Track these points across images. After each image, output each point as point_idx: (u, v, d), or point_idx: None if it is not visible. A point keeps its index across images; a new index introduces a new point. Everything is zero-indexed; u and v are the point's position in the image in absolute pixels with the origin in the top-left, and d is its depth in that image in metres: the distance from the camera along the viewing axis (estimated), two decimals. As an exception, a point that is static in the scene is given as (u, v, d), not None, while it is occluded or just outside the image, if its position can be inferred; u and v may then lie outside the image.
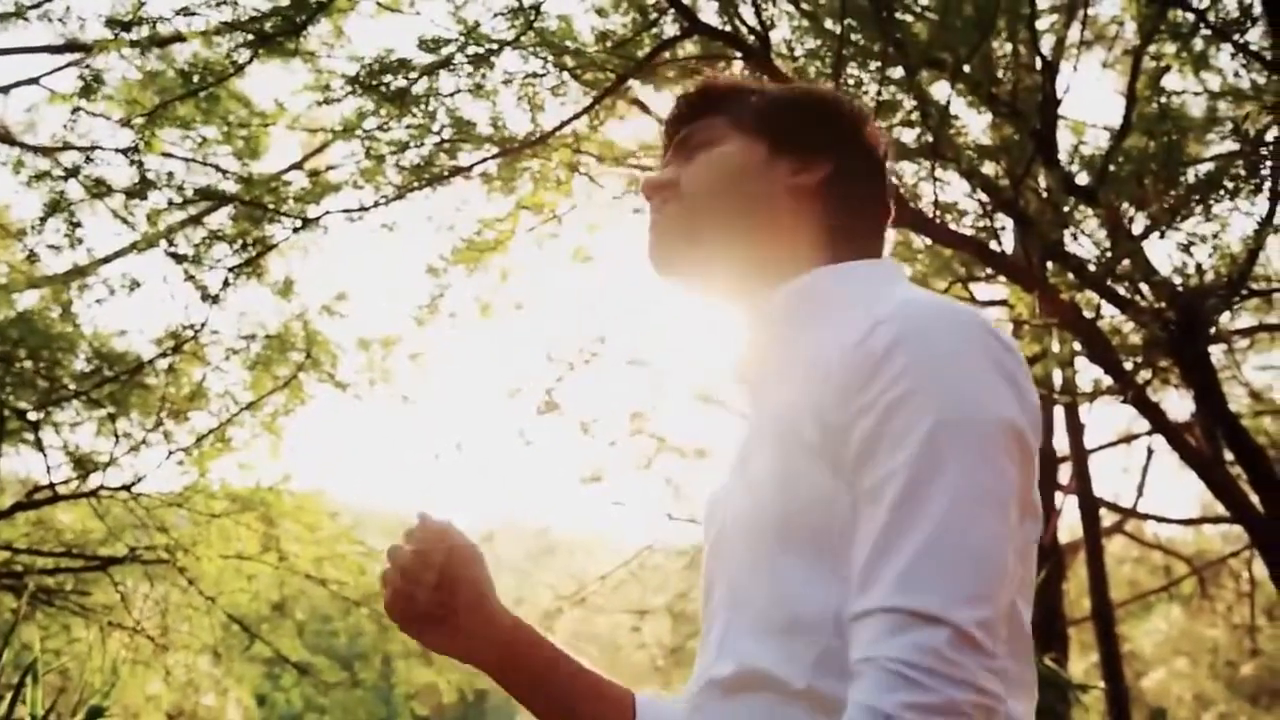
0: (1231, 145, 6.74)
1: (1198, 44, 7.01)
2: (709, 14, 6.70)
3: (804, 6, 6.79)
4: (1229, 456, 7.16)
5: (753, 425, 1.38)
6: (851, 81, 6.40)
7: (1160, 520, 10.19)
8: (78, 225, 6.79)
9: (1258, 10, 6.11)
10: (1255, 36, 6.58)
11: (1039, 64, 6.97)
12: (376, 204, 6.95)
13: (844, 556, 1.17)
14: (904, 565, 1.09)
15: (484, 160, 6.99)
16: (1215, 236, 6.74)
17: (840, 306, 1.33)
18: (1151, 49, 7.10)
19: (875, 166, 1.50)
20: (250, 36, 6.26)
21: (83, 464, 8.10)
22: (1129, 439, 11.16)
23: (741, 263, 1.43)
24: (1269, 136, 6.39)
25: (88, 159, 6.86)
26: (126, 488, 8.20)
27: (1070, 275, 6.64)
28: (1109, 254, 6.86)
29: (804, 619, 1.19)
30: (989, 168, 6.73)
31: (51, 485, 8.19)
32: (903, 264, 1.45)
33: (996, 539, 1.11)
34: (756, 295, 1.41)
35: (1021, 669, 1.20)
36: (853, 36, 6.32)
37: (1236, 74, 6.81)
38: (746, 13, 6.51)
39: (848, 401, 1.19)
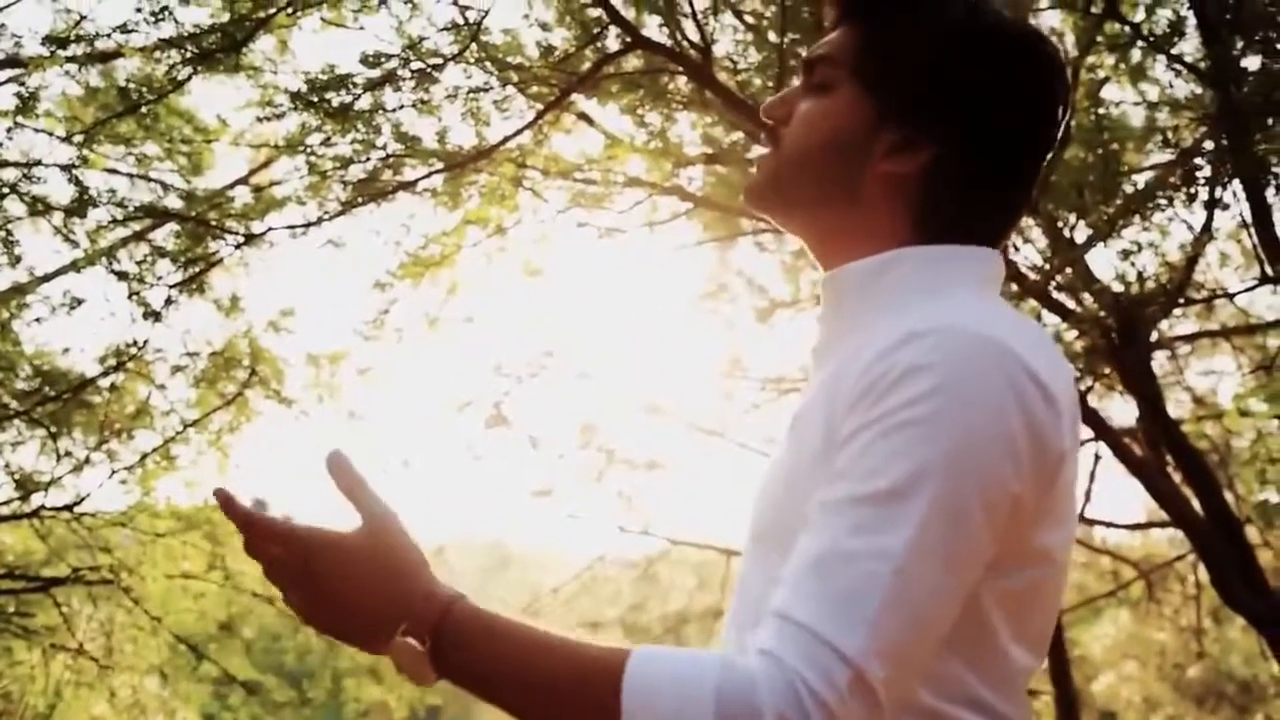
0: (1169, 155, 6.84)
1: (1134, 56, 7.11)
2: (652, 28, 6.73)
3: (747, 20, 6.83)
4: (1171, 462, 7.25)
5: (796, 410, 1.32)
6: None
7: (1107, 525, 10.28)
8: (16, 243, 6.71)
9: (1190, 23, 6.21)
10: (1190, 49, 6.69)
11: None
12: (321, 219, 6.93)
13: None
14: (839, 594, 1.05)
15: (429, 175, 6.97)
16: (1155, 245, 6.85)
17: (905, 303, 1.25)
18: (1090, 60, 7.19)
19: (1012, 141, 1.32)
20: (190, 53, 6.21)
21: (24, 484, 7.97)
22: (1075, 445, 11.22)
23: (820, 232, 1.37)
24: (1205, 147, 6.50)
25: (26, 176, 6.78)
26: (69, 508, 8.08)
27: (1012, 284, 6.71)
28: (1050, 263, 6.95)
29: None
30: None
31: (-8, 506, 8.07)
32: (1000, 259, 1.29)
33: (937, 595, 1.08)
34: (834, 263, 1.35)
35: (1004, 705, 1.17)
36: (795, 50, 6.36)
37: (1171, 85, 6.93)
38: (689, 27, 6.53)
39: (854, 416, 1.14)
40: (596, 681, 1.09)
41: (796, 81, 1.42)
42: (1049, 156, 1.39)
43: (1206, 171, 6.45)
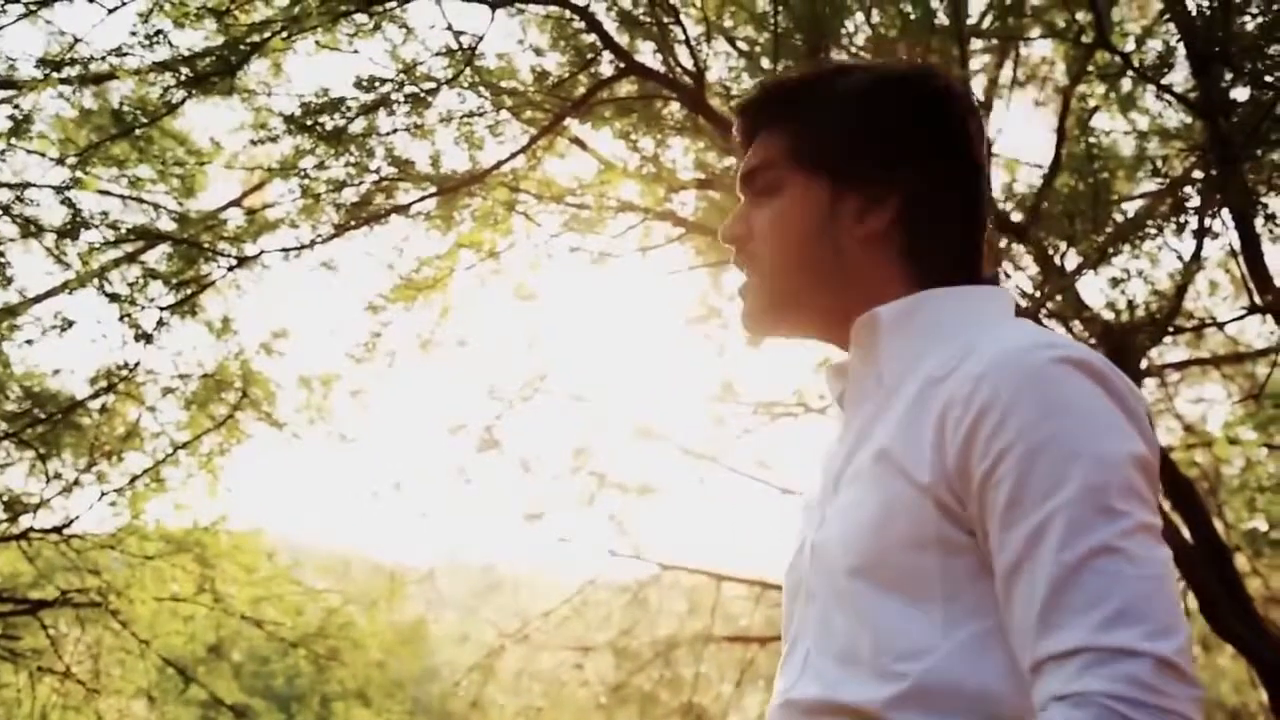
0: (1159, 184, 6.87)
1: (1125, 85, 7.15)
2: (646, 54, 6.76)
3: (740, 47, 6.87)
4: (1160, 489, 7.25)
5: (846, 449, 1.34)
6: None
7: (1097, 552, 10.28)
8: (8, 264, 6.71)
9: (1180, 54, 6.24)
10: (1180, 79, 6.73)
11: (971, 104, 7.07)
12: (314, 242, 6.93)
13: (941, 597, 1.18)
14: (1090, 604, 1.07)
15: (423, 198, 6.98)
16: (1144, 273, 6.87)
17: (948, 336, 1.29)
18: (1080, 89, 7.24)
19: (963, 168, 1.40)
20: (185, 76, 6.22)
21: (13, 506, 7.95)
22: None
23: (828, 317, 1.39)
24: (1194, 176, 6.53)
25: (19, 198, 6.77)
26: (58, 529, 8.06)
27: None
28: (1041, 290, 6.96)
29: (891, 651, 1.19)
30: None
31: (-20, 527, 8.04)
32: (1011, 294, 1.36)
33: (1167, 567, 1.12)
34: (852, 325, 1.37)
35: None
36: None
37: (1161, 115, 6.96)
38: (682, 53, 6.57)
39: (978, 445, 1.16)
40: None
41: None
42: (987, 177, 1.45)
43: (1196, 201, 6.47)
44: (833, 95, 1.39)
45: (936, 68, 1.47)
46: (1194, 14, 5.94)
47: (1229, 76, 5.93)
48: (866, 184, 1.36)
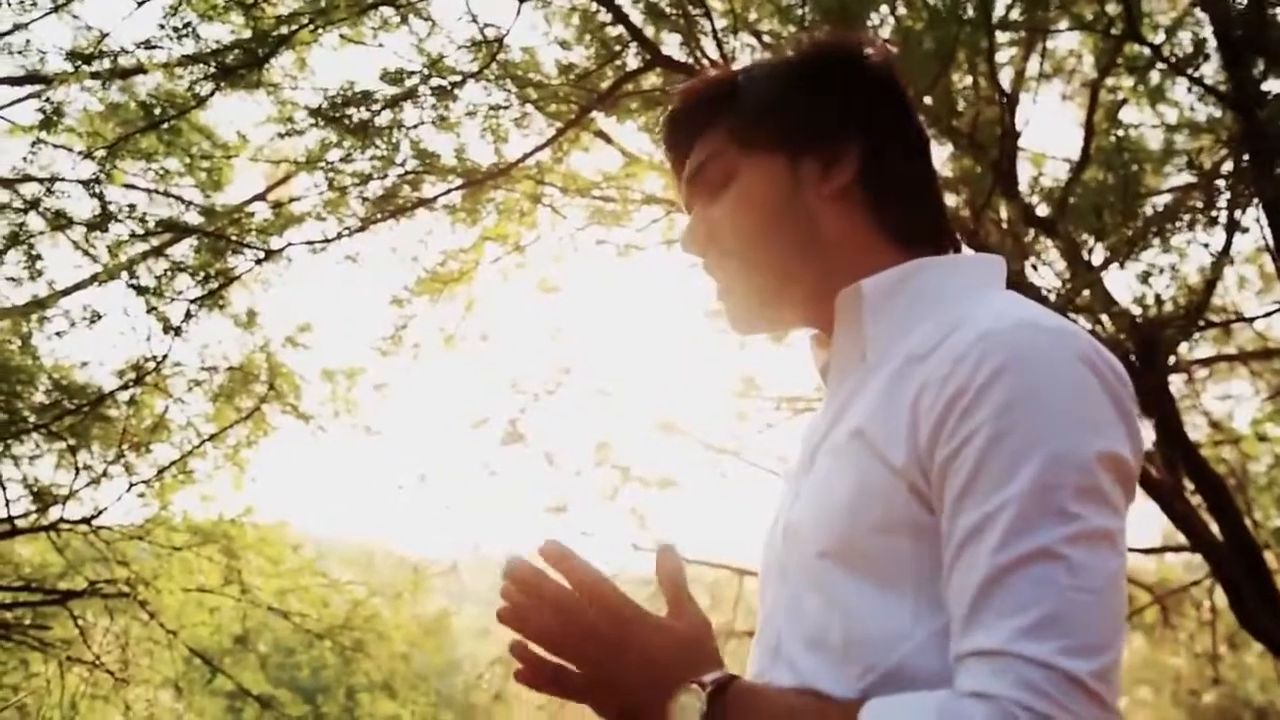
0: (1188, 178, 6.83)
1: (1154, 78, 7.10)
2: (672, 47, 6.74)
3: (765, 39, 6.84)
4: (1189, 486, 7.21)
5: (825, 423, 1.32)
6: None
7: (1123, 548, 10.21)
8: (38, 258, 6.74)
9: (1212, 45, 6.19)
10: (1210, 71, 6.68)
11: (999, 96, 7.05)
12: (340, 235, 6.94)
13: (911, 583, 1.15)
14: (1016, 609, 1.05)
15: (448, 191, 6.99)
16: (1173, 268, 6.82)
17: (933, 310, 1.25)
18: (1109, 82, 7.19)
19: (911, 128, 1.37)
20: (212, 69, 6.25)
21: (42, 497, 7.99)
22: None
23: (815, 292, 1.34)
24: (1224, 169, 6.48)
25: (48, 191, 6.81)
26: (86, 521, 8.10)
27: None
28: (1068, 285, 6.92)
29: (862, 641, 1.17)
30: (949, 199, 6.77)
31: (10, 518, 8.08)
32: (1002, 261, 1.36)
33: (1112, 580, 1.07)
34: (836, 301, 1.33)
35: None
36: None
37: (1192, 108, 6.91)
38: (709, 46, 6.55)
39: (948, 428, 1.12)
40: None
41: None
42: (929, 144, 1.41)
43: (1226, 195, 6.43)
44: (764, 78, 1.38)
45: (850, 34, 1.43)
46: (1227, 5, 5.89)
47: (1261, 68, 5.88)
48: (821, 146, 1.33)
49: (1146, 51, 6.60)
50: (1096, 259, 6.86)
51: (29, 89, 7.04)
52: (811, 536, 1.25)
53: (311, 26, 6.35)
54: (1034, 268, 6.99)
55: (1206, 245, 6.78)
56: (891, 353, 1.26)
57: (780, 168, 1.33)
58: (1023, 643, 1.03)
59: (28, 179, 6.90)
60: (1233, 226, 6.55)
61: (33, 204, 6.82)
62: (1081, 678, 1.02)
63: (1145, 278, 6.70)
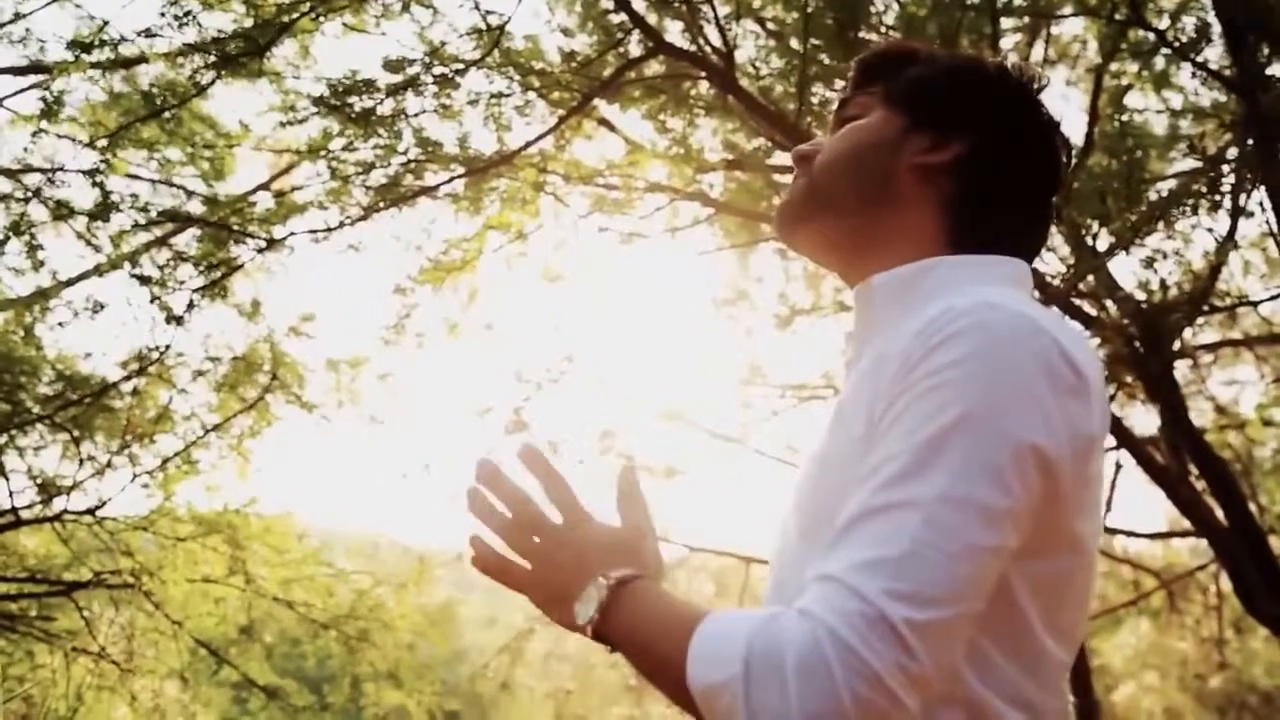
0: (1193, 163, 6.80)
1: (1158, 63, 7.08)
2: (674, 34, 6.72)
3: (769, 27, 6.82)
4: (1194, 471, 7.20)
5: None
6: (816, 101, 6.42)
7: (1128, 534, 10.22)
8: (39, 248, 6.73)
9: (1216, 30, 6.17)
10: (1215, 56, 6.66)
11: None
12: (342, 224, 6.93)
13: None
14: (864, 545, 1.07)
15: (450, 180, 6.98)
16: (1178, 253, 6.80)
17: (933, 298, 1.27)
18: (1113, 67, 7.17)
19: (1030, 149, 1.43)
20: (214, 58, 6.23)
21: (46, 488, 8.00)
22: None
23: (854, 239, 1.42)
24: (1229, 154, 6.45)
25: (50, 181, 6.80)
26: (91, 511, 8.10)
27: (1035, 292, 6.67)
28: (1073, 270, 6.91)
29: None
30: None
31: (14, 509, 8.09)
32: (1029, 270, 1.43)
33: (970, 548, 1.07)
34: (866, 273, 1.39)
35: (1042, 696, 1.18)
36: (817, 56, 6.34)
37: (1196, 92, 6.89)
38: (711, 33, 6.53)
39: (893, 387, 1.17)
40: (680, 637, 1.15)
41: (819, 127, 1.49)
42: (1058, 182, 1.48)
43: (1230, 179, 6.41)
44: (929, 60, 1.48)
45: (1011, 61, 1.50)
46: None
47: (1266, 52, 5.86)
48: (936, 128, 1.41)
49: (1151, 37, 6.57)
50: (1101, 245, 6.84)
51: (30, 79, 7.04)
52: (794, 520, 1.30)
53: (313, 14, 6.33)
54: (1031, 251, 6.96)
55: (1211, 230, 6.77)
56: (883, 341, 1.29)
57: (895, 124, 1.42)
58: (855, 575, 1.06)
59: (29, 169, 6.90)
60: (1237, 211, 6.54)
61: (34, 193, 6.81)
62: (894, 621, 1.03)
63: (1150, 263, 6.69)
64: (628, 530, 1.35)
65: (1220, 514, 6.88)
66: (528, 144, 6.89)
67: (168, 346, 7.57)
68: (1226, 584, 6.76)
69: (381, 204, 6.90)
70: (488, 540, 1.36)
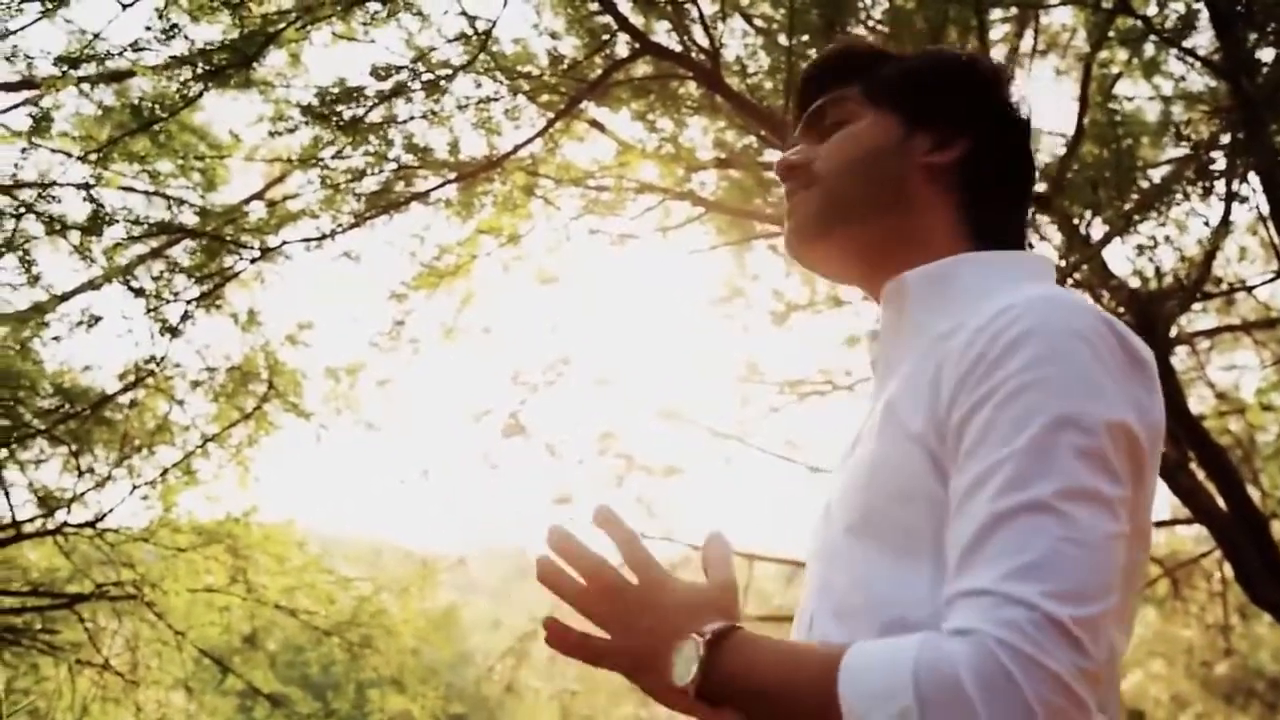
0: (1185, 149, 6.80)
1: (1147, 50, 7.07)
2: (660, 34, 6.72)
3: (756, 24, 6.82)
4: (1193, 459, 7.19)
5: (871, 409, 1.36)
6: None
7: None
8: (34, 262, 6.74)
9: (1204, 16, 6.16)
10: (1204, 41, 6.65)
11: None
12: (335, 232, 6.94)
13: (929, 553, 1.17)
14: (1006, 553, 1.06)
15: (442, 185, 6.98)
16: (1171, 240, 6.80)
17: (975, 297, 1.28)
18: (1102, 56, 7.16)
19: (1019, 141, 1.45)
20: (203, 69, 6.23)
21: (47, 501, 8.02)
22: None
23: (874, 248, 1.40)
24: (1220, 140, 6.45)
25: (43, 196, 6.80)
26: (92, 524, 8.12)
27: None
28: (1067, 259, 6.91)
29: (880, 606, 1.19)
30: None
31: (15, 523, 8.11)
32: (1051, 261, 1.41)
33: (1105, 538, 1.08)
34: (890, 279, 1.38)
35: (1107, 690, 1.15)
36: (805, 52, 6.34)
37: (1183, 78, 6.88)
38: (697, 32, 6.53)
39: (965, 392, 1.16)
40: (814, 678, 1.10)
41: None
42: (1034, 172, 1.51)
43: (1223, 165, 6.40)
44: (904, 57, 1.49)
45: (992, 59, 1.55)
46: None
47: (1253, 37, 5.86)
48: (937, 127, 1.41)
49: (1139, 24, 6.56)
50: (1095, 233, 6.84)
51: (20, 95, 7.04)
52: (840, 514, 1.29)
53: (300, 24, 6.33)
54: (1031, 245, 6.96)
55: (1204, 216, 6.76)
56: (926, 336, 1.30)
57: (895, 127, 1.41)
58: (1008, 583, 1.04)
59: (21, 184, 6.89)
60: (1230, 196, 6.53)
61: (28, 208, 6.81)
62: (1063, 620, 1.02)
63: (1144, 250, 6.69)
64: (714, 589, 1.30)
65: (1221, 501, 6.87)
66: (518, 147, 6.89)
67: (164, 358, 7.58)
68: (1230, 571, 6.76)
69: (374, 211, 6.91)
70: (562, 616, 1.30)
